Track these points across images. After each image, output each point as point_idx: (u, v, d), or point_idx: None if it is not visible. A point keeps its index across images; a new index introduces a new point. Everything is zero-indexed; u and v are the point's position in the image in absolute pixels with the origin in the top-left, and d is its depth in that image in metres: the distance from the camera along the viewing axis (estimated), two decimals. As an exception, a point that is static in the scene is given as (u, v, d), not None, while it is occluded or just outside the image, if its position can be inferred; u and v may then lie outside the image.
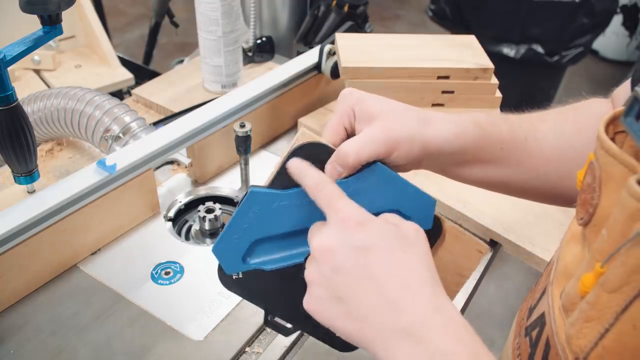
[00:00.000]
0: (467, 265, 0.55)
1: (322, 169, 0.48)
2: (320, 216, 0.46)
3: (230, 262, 0.50)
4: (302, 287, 0.48)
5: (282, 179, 0.49)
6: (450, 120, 0.52)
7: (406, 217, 0.49)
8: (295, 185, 0.48)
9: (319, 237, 0.44)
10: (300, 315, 0.50)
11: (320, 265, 0.43)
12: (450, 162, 0.53)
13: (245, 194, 0.49)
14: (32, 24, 0.63)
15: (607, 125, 0.37)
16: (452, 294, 0.55)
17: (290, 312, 0.53)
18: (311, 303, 0.44)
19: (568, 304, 0.36)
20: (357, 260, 0.41)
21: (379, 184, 0.49)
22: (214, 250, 0.50)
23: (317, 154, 0.49)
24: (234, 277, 0.51)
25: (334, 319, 0.42)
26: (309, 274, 0.44)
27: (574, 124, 0.55)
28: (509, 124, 0.55)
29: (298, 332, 0.68)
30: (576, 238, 0.40)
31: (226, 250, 0.50)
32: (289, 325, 0.54)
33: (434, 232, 0.53)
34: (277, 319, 0.54)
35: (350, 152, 0.47)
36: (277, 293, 0.52)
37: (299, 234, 0.49)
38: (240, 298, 0.71)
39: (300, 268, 0.50)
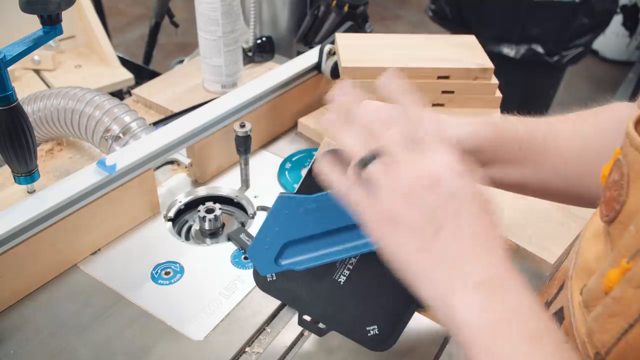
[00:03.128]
0: None
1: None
2: (345, 219, 0.49)
3: (264, 264, 0.53)
4: (332, 287, 0.55)
5: (309, 185, 0.52)
6: (465, 122, 0.53)
7: None
8: (321, 189, 0.51)
9: (421, 164, 0.41)
10: (333, 315, 0.56)
11: (422, 191, 0.39)
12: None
13: (276, 200, 0.52)
14: (32, 24, 0.63)
15: (636, 124, 0.37)
16: None
17: (323, 312, 0.56)
18: (384, 224, 0.41)
19: (590, 300, 0.36)
20: (470, 194, 0.40)
21: None
22: (249, 254, 0.53)
23: (340, 160, 0.52)
24: (268, 279, 0.54)
25: (409, 247, 0.40)
26: (390, 199, 0.40)
27: (594, 125, 0.56)
28: (526, 124, 0.55)
29: (299, 332, 0.68)
30: (598, 235, 0.40)
31: (259, 253, 0.53)
32: (322, 326, 0.56)
33: None
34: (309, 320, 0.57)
35: None
36: (310, 293, 0.56)
37: (326, 236, 0.52)
38: (240, 298, 0.71)
39: (330, 268, 0.54)
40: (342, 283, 0.55)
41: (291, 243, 0.52)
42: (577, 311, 0.38)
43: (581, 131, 0.55)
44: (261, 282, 0.55)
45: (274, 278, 0.55)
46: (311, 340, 0.67)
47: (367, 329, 0.55)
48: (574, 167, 0.54)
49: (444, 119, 0.53)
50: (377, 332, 0.55)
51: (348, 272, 0.55)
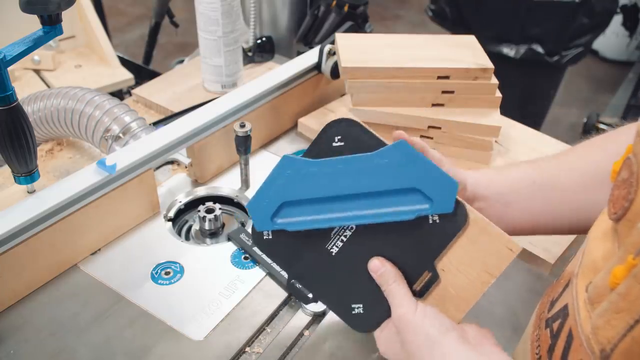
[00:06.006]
0: (496, 264, 0.53)
1: (354, 146, 0.53)
2: (345, 188, 0.52)
3: (260, 219, 0.54)
4: (323, 256, 0.54)
5: (315, 151, 0.54)
6: (479, 173, 0.61)
7: (427, 197, 0.52)
8: (326, 156, 0.53)
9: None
10: (320, 285, 0.55)
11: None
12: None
13: (280, 160, 0.54)
14: (32, 24, 0.63)
15: None
16: (477, 291, 0.54)
17: (312, 280, 0.56)
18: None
19: (595, 296, 0.37)
20: None
21: (402, 161, 0.51)
22: (249, 206, 0.55)
23: (349, 129, 0.54)
24: (264, 237, 0.55)
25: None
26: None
27: (603, 149, 0.58)
28: (533, 164, 0.61)
29: (299, 332, 0.68)
30: (606, 234, 0.40)
31: (258, 208, 0.54)
32: (309, 295, 0.56)
33: (458, 218, 0.53)
34: (299, 286, 0.56)
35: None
36: (301, 259, 0.55)
37: (324, 202, 0.53)
38: (240, 298, 0.71)
39: (324, 237, 0.55)
40: (333, 254, 0.55)
41: (289, 203, 0.54)
42: (582, 308, 0.38)
43: (590, 157, 0.57)
44: (256, 237, 0.56)
45: (270, 237, 0.55)
46: (311, 341, 0.67)
47: (352, 306, 0.55)
48: (584, 195, 0.56)
49: (459, 172, 0.59)
50: (361, 312, 0.55)
51: (341, 244, 0.54)
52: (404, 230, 0.54)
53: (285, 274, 0.58)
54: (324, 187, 0.53)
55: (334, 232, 0.55)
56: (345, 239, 0.55)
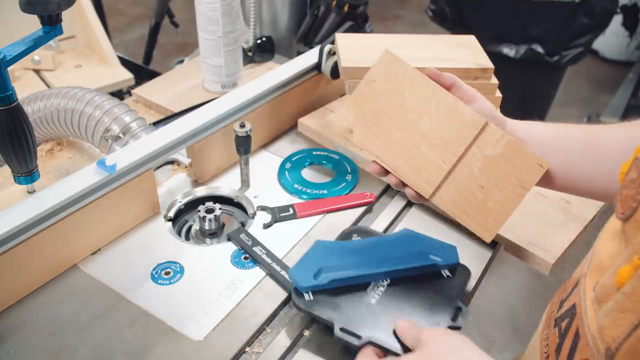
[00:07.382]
0: (528, 178, 0.61)
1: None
2: (369, 256, 0.69)
3: (303, 279, 0.65)
4: (365, 306, 0.64)
5: (343, 238, 0.76)
6: (523, 122, 0.65)
7: (437, 255, 0.69)
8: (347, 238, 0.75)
9: None
10: (364, 324, 0.63)
11: None
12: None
13: (313, 245, 0.71)
14: (32, 24, 0.63)
15: None
16: (513, 204, 0.62)
17: (355, 323, 0.63)
18: None
19: (602, 296, 0.37)
20: None
21: (410, 238, 0.72)
22: (291, 272, 0.67)
23: (363, 232, 0.77)
24: (306, 298, 0.64)
25: None
26: None
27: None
28: (579, 125, 0.62)
29: (299, 332, 0.68)
30: (615, 234, 0.40)
31: (300, 271, 0.66)
32: (356, 339, 0.61)
33: (464, 273, 0.69)
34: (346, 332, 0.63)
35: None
36: (345, 312, 0.64)
37: (355, 265, 0.67)
38: (240, 298, 0.71)
39: (361, 292, 0.65)
40: (373, 303, 0.64)
41: (326, 268, 0.66)
42: (589, 308, 0.38)
43: (636, 129, 0.57)
44: (300, 301, 0.64)
45: (311, 298, 0.64)
46: (311, 341, 0.67)
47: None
48: (621, 157, 0.56)
49: (494, 110, 0.61)
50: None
51: (378, 297, 0.65)
52: (428, 283, 0.67)
53: (324, 317, 0.65)
54: (353, 256, 0.67)
55: (369, 288, 0.66)
56: (381, 292, 0.66)
